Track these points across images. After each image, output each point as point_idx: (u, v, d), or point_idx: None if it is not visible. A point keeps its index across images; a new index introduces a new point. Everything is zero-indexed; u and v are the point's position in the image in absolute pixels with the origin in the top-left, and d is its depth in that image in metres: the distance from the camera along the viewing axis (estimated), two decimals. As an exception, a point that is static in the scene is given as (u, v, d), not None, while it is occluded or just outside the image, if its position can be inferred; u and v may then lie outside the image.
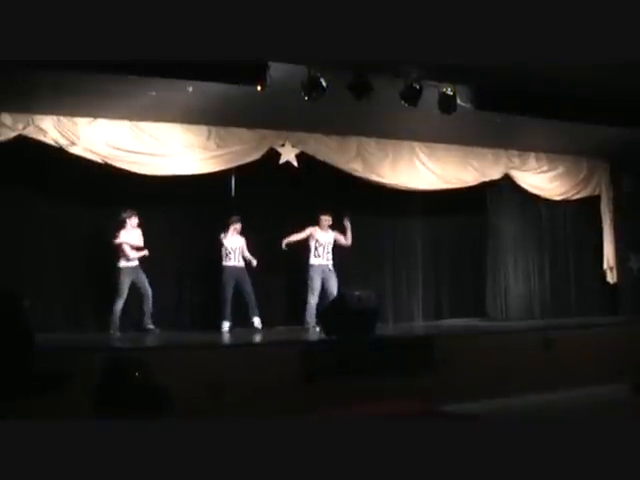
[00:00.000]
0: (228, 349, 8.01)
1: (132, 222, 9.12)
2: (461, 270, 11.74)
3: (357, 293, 8.60)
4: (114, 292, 8.96)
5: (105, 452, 2.47)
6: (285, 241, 9.69)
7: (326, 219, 9.89)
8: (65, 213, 9.35)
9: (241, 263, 9.59)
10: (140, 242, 9.15)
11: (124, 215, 9.08)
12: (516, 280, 11.73)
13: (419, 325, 11.11)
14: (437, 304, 11.67)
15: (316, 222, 9.89)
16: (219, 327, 9.35)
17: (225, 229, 9.53)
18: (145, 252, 9.14)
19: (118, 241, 8.99)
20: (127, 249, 9.01)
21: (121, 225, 9.06)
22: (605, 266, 12.14)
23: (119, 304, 8.94)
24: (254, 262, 9.59)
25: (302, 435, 2.70)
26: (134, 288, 9.10)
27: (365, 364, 7.66)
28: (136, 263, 9.11)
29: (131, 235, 9.12)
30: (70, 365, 5.70)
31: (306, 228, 9.84)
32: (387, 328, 10.12)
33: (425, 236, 11.58)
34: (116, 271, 9.01)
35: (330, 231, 9.97)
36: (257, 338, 8.93)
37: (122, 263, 9.03)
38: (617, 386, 7.32)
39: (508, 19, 4.56)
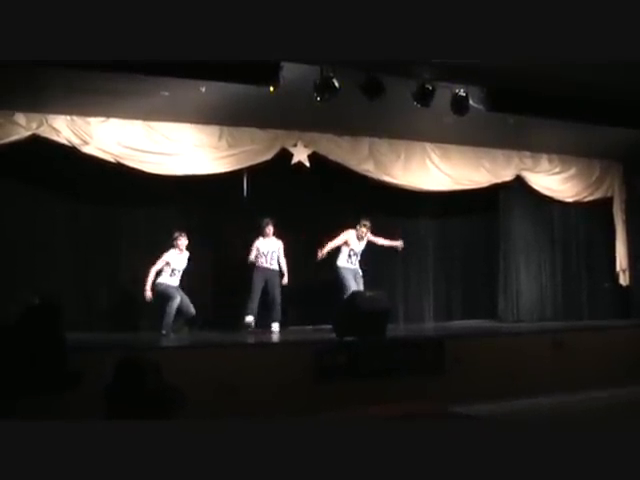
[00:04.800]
0: (241, 349, 7.99)
1: (180, 244, 8.90)
2: (472, 271, 11.72)
3: (369, 294, 8.60)
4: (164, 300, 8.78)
5: (116, 452, 2.48)
6: (324, 250, 9.36)
7: (365, 228, 9.62)
8: (78, 212, 9.40)
9: (274, 266, 9.41)
10: (181, 265, 8.92)
11: (174, 236, 8.89)
12: (528, 282, 11.68)
13: (430, 326, 11.10)
14: (448, 305, 11.67)
15: (353, 227, 9.67)
16: (242, 320, 9.11)
17: (259, 232, 9.39)
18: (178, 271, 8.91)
19: (160, 260, 8.79)
20: (166, 270, 8.81)
21: (172, 244, 8.89)
22: (617, 268, 12.07)
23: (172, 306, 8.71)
24: (284, 270, 9.42)
25: (314, 435, 2.70)
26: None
27: (376, 365, 7.67)
28: (176, 283, 8.90)
29: (176, 256, 8.88)
30: (81, 365, 5.72)
31: (342, 233, 9.59)
32: (398, 329, 10.09)
33: (437, 237, 11.59)
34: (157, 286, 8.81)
35: (365, 239, 9.73)
36: (270, 338, 8.91)
37: (161, 279, 8.82)
38: (630, 388, 7.31)
39: (521, 19, 4.54)
